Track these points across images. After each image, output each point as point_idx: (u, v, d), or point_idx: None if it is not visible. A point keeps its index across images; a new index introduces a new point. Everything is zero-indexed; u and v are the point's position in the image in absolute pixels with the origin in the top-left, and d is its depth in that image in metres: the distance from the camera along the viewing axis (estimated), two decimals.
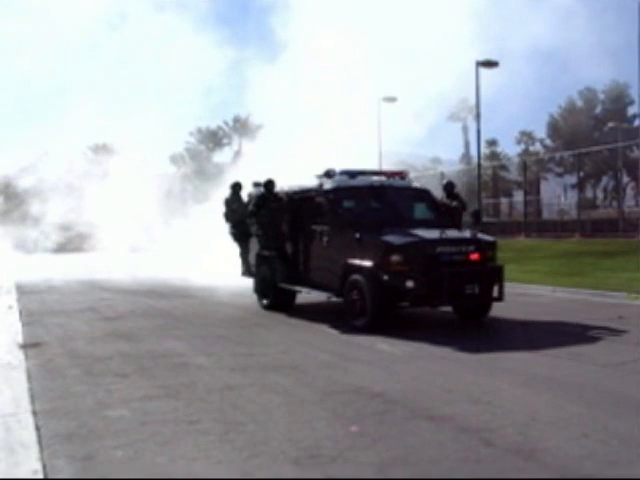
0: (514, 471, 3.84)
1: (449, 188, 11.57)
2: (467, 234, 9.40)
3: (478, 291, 8.72)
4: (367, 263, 8.71)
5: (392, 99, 30.64)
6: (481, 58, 24.55)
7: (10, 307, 11.74)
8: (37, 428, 4.68)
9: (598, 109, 54.33)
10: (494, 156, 55.93)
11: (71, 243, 26.75)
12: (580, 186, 37.42)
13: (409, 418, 4.83)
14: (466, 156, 55.35)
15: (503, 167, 48.92)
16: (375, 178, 10.71)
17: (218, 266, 15.96)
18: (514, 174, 46.78)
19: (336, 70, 29.73)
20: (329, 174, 10.19)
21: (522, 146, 57.78)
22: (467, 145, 56.84)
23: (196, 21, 60.32)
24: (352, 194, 10.14)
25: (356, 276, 8.86)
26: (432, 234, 8.84)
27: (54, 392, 5.71)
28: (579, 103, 54.97)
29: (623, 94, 51.62)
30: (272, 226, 10.82)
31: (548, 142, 56.89)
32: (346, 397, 5.40)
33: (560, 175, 50.04)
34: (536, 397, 5.39)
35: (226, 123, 61.27)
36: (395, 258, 8.46)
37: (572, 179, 44.70)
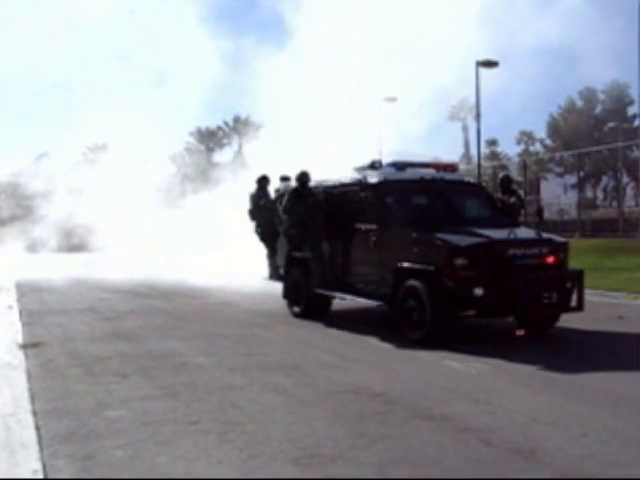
0: (514, 471, 3.84)
1: (506, 183, 10.49)
2: (538, 234, 8.31)
3: (556, 300, 7.66)
4: (427, 267, 7.67)
5: (392, 99, 30.65)
6: (483, 57, 24.62)
7: (10, 307, 11.75)
8: (37, 428, 4.68)
9: (598, 109, 54.37)
10: (494, 156, 55.94)
11: (73, 243, 26.72)
12: (580, 186, 37.44)
13: (409, 418, 4.83)
14: (466, 156, 55.34)
15: (503, 167, 48.84)
16: (424, 171, 9.52)
17: (219, 265, 15.96)
18: (514, 174, 46.69)
19: (338, 69, 29.73)
20: (374, 166, 9.16)
21: (522, 146, 57.83)
22: (467, 145, 56.88)
23: (196, 15, 60.12)
24: (402, 188, 8.96)
25: (413, 282, 7.76)
26: (500, 234, 7.86)
27: (54, 392, 5.71)
28: (579, 103, 55.01)
29: (623, 94, 51.64)
30: (308, 224, 9.76)
31: (548, 142, 56.93)
32: (346, 397, 5.40)
33: (560, 175, 50.02)
34: (536, 397, 5.40)
35: (226, 123, 61.28)
36: (461, 261, 7.42)
37: (572, 179, 44.68)
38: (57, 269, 18.90)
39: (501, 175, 10.95)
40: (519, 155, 53.31)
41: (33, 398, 5.48)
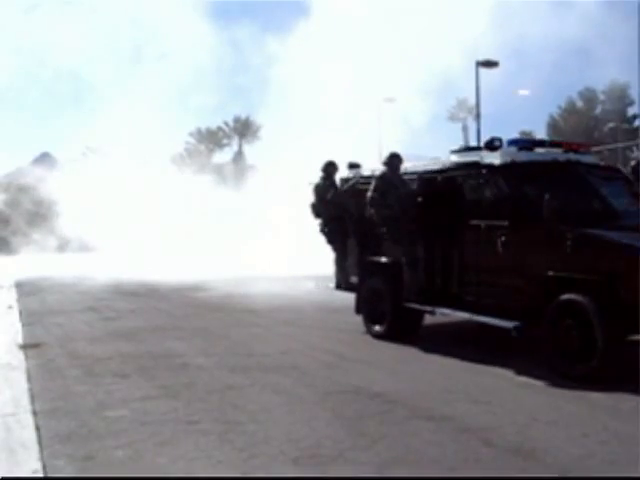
0: (514, 471, 3.84)
1: None
2: None
3: None
4: (594, 276, 5.84)
5: (392, 99, 30.69)
6: (485, 56, 24.77)
7: (10, 307, 11.75)
8: (37, 428, 4.69)
9: (598, 109, 54.38)
10: None
11: (83, 243, 26.69)
12: None
13: (409, 418, 4.83)
14: None
15: None
16: (554, 151, 7.59)
17: (220, 265, 15.91)
18: None
19: (338, 68, 29.75)
20: (493, 145, 7.09)
21: None
22: (467, 145, 56.83)
23: (196, 12, 60.10)
24: (535, 173, 7.02)
25: (572, 296, 5.94)
26: None
27: (54, 392, 5.71)
28: (579, 103, 55.05)
29: (623, 94, 51.65)
30: (402, 220, 7.77)
31: None
32: (346, 397, 5.40)
33: None
34: (536, 397, 5.40)
35: (226, 124, 61.23)
36: None
37: None
38: (60, 268, 18.91)
39: (634, 162, 9.16)
40: None
41: (33, 398, 5.49)
